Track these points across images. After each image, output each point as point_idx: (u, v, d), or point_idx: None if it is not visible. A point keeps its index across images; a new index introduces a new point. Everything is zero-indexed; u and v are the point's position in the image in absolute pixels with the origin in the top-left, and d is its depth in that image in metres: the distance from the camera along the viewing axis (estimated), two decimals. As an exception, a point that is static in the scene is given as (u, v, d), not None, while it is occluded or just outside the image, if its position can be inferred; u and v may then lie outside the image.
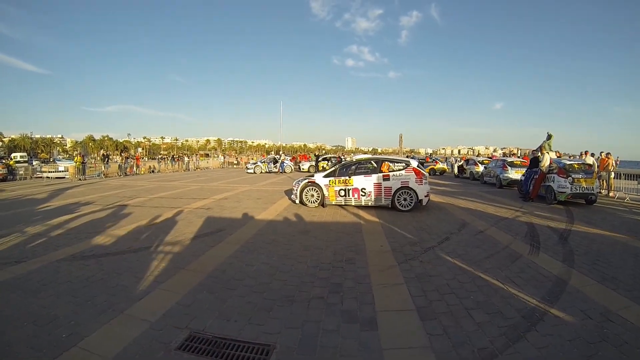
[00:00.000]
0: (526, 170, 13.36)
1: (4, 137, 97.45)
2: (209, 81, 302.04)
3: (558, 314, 3.61)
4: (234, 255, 5.67)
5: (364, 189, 10.11)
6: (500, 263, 5.27)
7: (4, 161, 28.78)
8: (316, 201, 10.44)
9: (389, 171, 10.09)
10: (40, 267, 5.10)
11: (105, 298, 4.04)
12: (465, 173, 23.93)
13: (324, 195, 10.35)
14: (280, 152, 46.08)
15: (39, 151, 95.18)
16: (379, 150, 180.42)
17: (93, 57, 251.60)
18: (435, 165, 28.91)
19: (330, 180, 10.35)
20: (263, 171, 28.87)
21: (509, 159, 18.48)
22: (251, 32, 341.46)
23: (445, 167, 30.38)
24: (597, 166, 14.00)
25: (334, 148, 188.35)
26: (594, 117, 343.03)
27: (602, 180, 14.24)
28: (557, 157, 13.63)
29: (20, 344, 3.08)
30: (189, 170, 35.71)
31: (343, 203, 10.37)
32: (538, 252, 5.82)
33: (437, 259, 5.47)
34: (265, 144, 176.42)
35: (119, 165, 28.72)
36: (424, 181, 9.97)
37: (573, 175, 11.00)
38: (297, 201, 10.64)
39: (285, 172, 29.37)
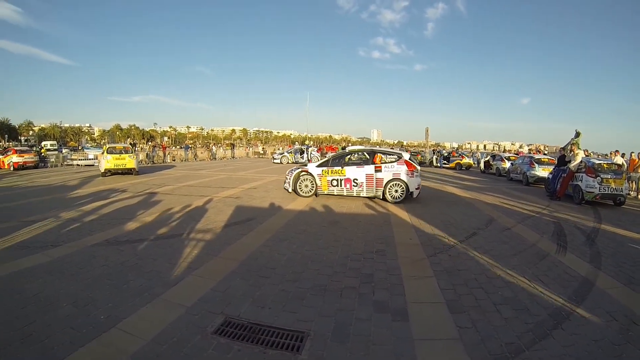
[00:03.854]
0: (554, 168, 13.16)
1: (35, 126, 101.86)
2: (235, 72, 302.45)
3: (584, 314, 3.65)
4: (265, 244, 5.84)
5: (356, 179, 10.21)
6: (527, 260, 5.32)
7: (35, 149, 30.06)
8: (310, 191, 10.56)
9: (381, 163, 10.20)
10: (75, 251, 5.31)
11: (141, 282, 4.19)
12: (491, 169, 23.67)
13: (316, 184, 10.48)
14: (310, 143, 45.99)
15: (68, 140, 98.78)
16: (404, 143, 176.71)
17: (119, 49, 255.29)
18: (461, 160, 28.81)
19: (323, 170, 10.44)
20: (290, 161, 28.94)
21: (537, 156, 18.17)
22: (277, 25, 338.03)
23: (471, 162, 30.07)
24: (627, 167, 13.64)
25: (359, 140, 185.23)
26: (627, 116, 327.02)
27: (632, 182, 13.86)
28: (585, 156, 13.34)
29: (60, 324, 3.23)
30: (215, 159, 36.27)
31: (335, 193, 10.48)
32: (565, 252, 5.82)
33: (465, 254, 5.56)
34: (291, 134, 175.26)
35: (147, 153, 29.53)
36: (415, 174, 10.08)
37: (602, 176, 10.74)
38: (290, 190, 10.74)
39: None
